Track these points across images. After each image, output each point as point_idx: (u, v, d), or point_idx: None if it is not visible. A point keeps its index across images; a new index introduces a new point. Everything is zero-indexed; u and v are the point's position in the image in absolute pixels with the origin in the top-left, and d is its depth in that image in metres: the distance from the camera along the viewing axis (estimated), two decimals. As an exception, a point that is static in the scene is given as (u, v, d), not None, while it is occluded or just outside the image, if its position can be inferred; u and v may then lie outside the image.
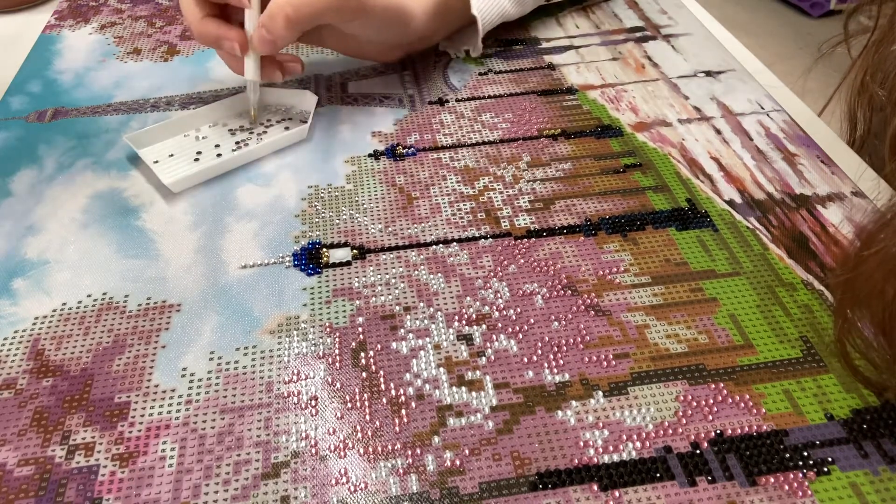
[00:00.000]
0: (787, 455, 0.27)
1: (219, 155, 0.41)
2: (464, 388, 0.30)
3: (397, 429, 0.28)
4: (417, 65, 0.50)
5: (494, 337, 0.32)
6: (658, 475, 0.27)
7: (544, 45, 0.52)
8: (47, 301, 0.34)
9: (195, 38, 0.41)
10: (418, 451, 0.28)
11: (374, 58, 0.48)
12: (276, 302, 0.34)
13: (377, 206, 0.39)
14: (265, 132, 0.43)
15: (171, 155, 0.41)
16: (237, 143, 0.42)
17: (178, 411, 0.29)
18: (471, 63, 0.50)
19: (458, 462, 0.27)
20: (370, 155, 0.42)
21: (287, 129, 0.43)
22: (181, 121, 0.43)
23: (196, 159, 0.41)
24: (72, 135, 0.44)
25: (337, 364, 0.31)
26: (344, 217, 0.38)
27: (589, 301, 0.33)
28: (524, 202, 0.39)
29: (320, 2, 0.38)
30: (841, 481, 0.26)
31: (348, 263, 0.36)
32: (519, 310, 0.33)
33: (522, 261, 0.35)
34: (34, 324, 0.33)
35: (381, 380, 0.30)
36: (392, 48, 0.47)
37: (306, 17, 0.38)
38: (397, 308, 0.33)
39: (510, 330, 0.32)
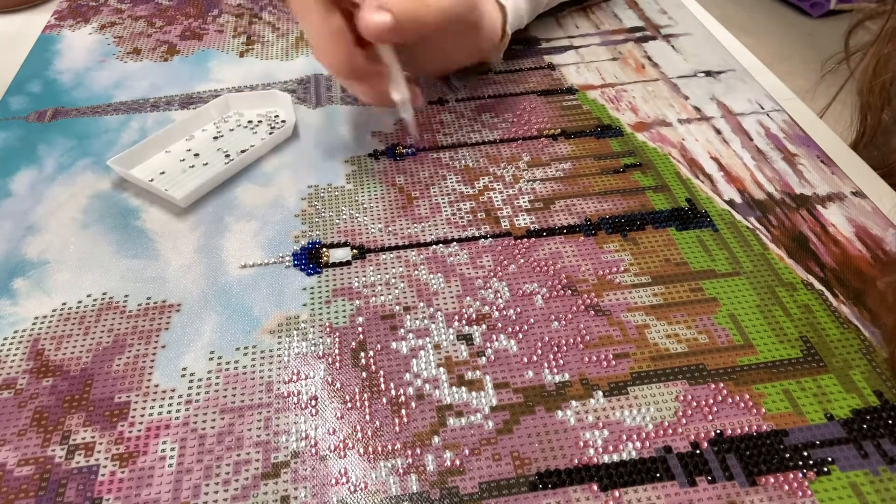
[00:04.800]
0: (787, 455, 0.27)
1: (205, 164, 0.41)
2: (464, 388, 0.30)
3: (397, 429, 0.28)
4: (417, 65, 0.50)
5: (494, 337, 0.32)
6: (658, 475, 0.27)
7: (544, 45, 0.52)
8: (47, 301, 0.34)
9: (344, 75, 0.37)
10: (418, 451, 0.28)
11: (429, 71, 0.47)
12: (275, 302, 0.34)
13: (377, 206, 0.39)
14: (254, 135, 0.43)
15: (163, 172, 0.41)
16: (225, 152, 0.42)
17: (178, 411, 0.29)
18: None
19: (458, 462, 0.27)
20: (370, 155, 0.42)
21: (272, 130, 0.43)
22: (159, 138, 0.42)
23: (184, 172, 0.41)
24: (72, 135, 0.44)
25: (337, 364, 0.31)
26: (344, 217, 0.38)
27: (589, 301, 0.33)
28: (524, 202, 0.39)
29: (451, 4, 0.37)
30: (841, 481, 0.26)
31: (348, 263, 0.36)
32: (519, 310, 0.33)
33: (522, 260, 0.35)
34: (34, 324, 0.33)
35: (381, 380, 0.30)
36: (450, 63, 0.46)
37: (440, 16, 0.36)
38: (397, 308, 0.33)
39: (510, 330, 0.32)
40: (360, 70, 0.37)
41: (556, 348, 0.31)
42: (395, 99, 0.39)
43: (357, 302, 0.34)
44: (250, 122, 0.44)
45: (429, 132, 0.44)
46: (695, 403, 0.29)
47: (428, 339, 0.32)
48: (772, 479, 0.26)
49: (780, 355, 0.31)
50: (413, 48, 0.40)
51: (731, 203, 0.38)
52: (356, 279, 0.35)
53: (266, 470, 0.27)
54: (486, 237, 0.37)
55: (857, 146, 0.47)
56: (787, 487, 0.26)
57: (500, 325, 0.32)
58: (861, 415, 0.28)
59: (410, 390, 0.30)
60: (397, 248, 0.36)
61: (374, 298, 0.34)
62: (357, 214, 0.38)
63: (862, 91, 0.45)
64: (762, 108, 0.45)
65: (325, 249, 0.36)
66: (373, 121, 0.45)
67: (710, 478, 0.27)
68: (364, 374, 0.31)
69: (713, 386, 0.30)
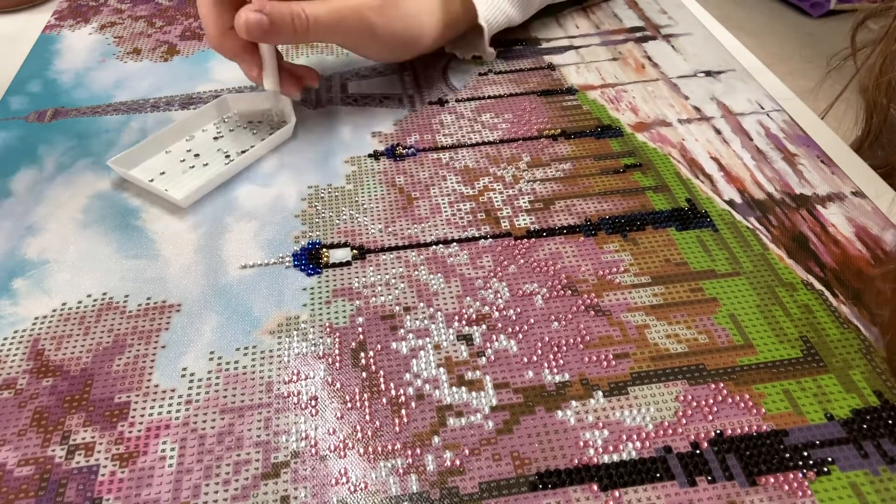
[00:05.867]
0: (787, 455, 0.27)
1: (205, 164, 0.41)
2: (464, 388, 0.30)
3: (397, 429, 0.28)
4: (417, 65, 0.50)
5: (494, 337, 0.32)
6: (658, 475, 0.27)
7: (544, 45, 0.52)
8: (47, 301, 0.34)
9: (216, 49, 0.41)
10: (418, 451, 0.28)
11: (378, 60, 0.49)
12: (276, 302, 0.34)
13: (377, 207, 0.39)
14: (254, 135, 0.43)
15: (163, 173, 0.40)
16: (225, 152, 0.42)
17: (178, 411, 0.29)
18: (471, 63, 0.50)
19: (458, 462, 0.27)
20: (370, 155, 0.42)
21: (272, 131, 0.43)
22: (159, 139, 0.42)
23: (185, 172, 0.41)
24: (72, 135, 0.44)
25: (337, 364, 0.31)
26: (344, 217, 0.38)
27: (589, 301, 0.33)
28: (524, 202, 0.39)
29: (331, 21, 0.39)
30: (841, 481, 0.26)
31: (348, 263, 0.36)
32: (519, 310, 0.33)
33: (522, 261, 0.35)
34: (34, 324, 0.33)
35: (381, 380, 0.30)
36: (399, 57, 0.48)
37: (318, 31, 0.39)
38: (397, 308, 0.33)
39: (510, 330, 0.32)
40: (231, 50, 0.40)
41: (556, 348, 0.31)
42: (266, 88, 0.42)
43: (357, 302, 0.34)
44: (250, 122, 0.44)
45: (429, 132, 0.44)
46: (695, 403, 0.29)
47: (428, 340, 0.32)
48: (772, 479, 0.26)
49: (780, 355, 0.31)
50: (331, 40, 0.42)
51: (731, 203, 0.38)
52: (356, 279, 0.35)
53: (266, 470, 0.27)
54: (486, 237, 0.37)
55: (863, 145, 0.47)
56: (787, 487, 0.26)
57: (500, 325, 0.32)
58: (861, 415, 0.28)
59: (410, 390, 0.30)
60: (397, 248, 0.36)
61: (374, 299, 0.34)
62: (357, 215, 0.38)
63: (867, 89, 0.45)
64: (762, 108, 0.45)
65: (325, 250, 0.36)
66: (373, 121, 0.45)
67: (710, 478, 0.27)
68: (364, 374, 0.31)
69: (713, 386, 0.30)
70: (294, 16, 0.38)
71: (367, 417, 0.29)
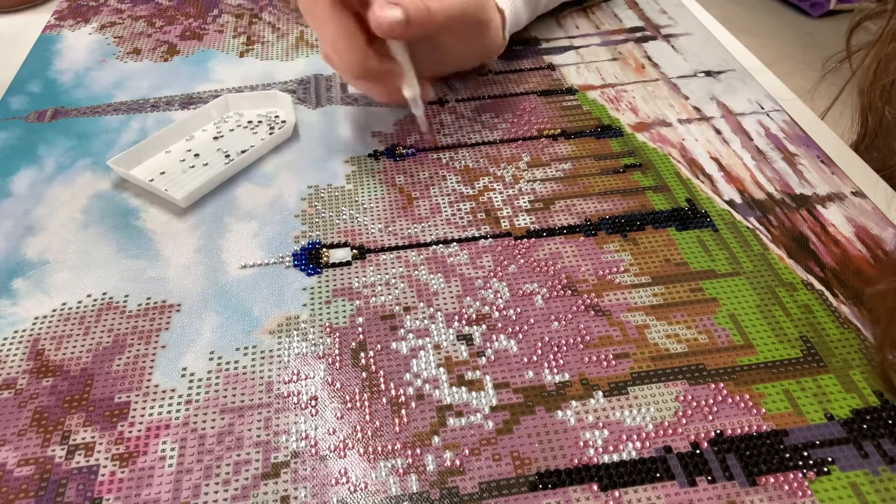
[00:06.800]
0: (787, 455, 0.27)
1: (205, 164, 0.41)
2: (464, 388, 0.30)
3: (397, 429, 0.28)
4: (417, 65, 0.50)
5: (494, 337, 0.32)
6: (658, 475, 0.27)
7: (544, 45, 0.52)
8: (47, 301, 0.34)
9: (358, 75, 0.37)
10: (418, 451, 0.28)
11: (435, 73, 0.46)
12: (276, 302, 0.34)
13: (377, 206, 0.39)
14: (254, 135, 0.43)
15: (163, 172, 0.40)
16: (225, 152, 0.42)
17: (178, 411, 0.29)
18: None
19: (458, 462, 0.27)
20: (370, 155, 0.42)
21: (272, 130, 0.43)
22: (159, 138, 0.42)
23: (185, 172, 0.41)
24: (72, 135, 0.44)
25: (337, 364, 0.31)
26: (344, 217, 0.38)
27: (589, 301, 0.33)
28: (524, 202, 0.39)
29: (457, 6, 0.37)
30: (841, 481, 0.26)
31: (348, 263, 0.36)
32: (519, 310, 0.33)
33: (522, 261, 0.35)
34: (34, 324, 0.33)
35: (381, 380, 0.30)
36: (450, 65, 0.46)
37: (440, 17, 0.36)
38: (397, 308, 0.33)
39: (510, 330, 0.32)
40: (373, 70, 0.37)
41: (556, 348, 0.31)
42: (407, 96, 0.39)
43: (357, 302, 0.34)
44: (250, 122, 0.44)
45: (428, 132, 0.44)
46: (695, 403, 0.29)
47: (428, 340, 0.32)
48: (772, 479, 0.26)
49: (780, 355, 0.31)
50: (416, 47, 0.40)
51: (731, 203, 0.38)
52: (356, 279, 0.35)
53: (266, 470, 0.27)
54: (486, 237, 0.37)
55: (859, 147, 0.47)
56: (787, 487, 0.26)
57: (500, 325, 0.32)
58: (861, 415, 0.28)
59: (410, 390, 0.30)
60: (397, 248, 0.36)
61: (374, 298, 0.34)
62: (357, 215, 0.38)
63: (863, 92, 0.45)
64: (762, 108, 0.45)
65: (325, 250, 0.36)
66: (373, 121, 0.45)
67: (710, 478, 0.27)
68: (364, 374, 0.31)
69: (713, 386, 0.30)
70: (421, 2, 0.35)
71: (367, 417, 0.29)
